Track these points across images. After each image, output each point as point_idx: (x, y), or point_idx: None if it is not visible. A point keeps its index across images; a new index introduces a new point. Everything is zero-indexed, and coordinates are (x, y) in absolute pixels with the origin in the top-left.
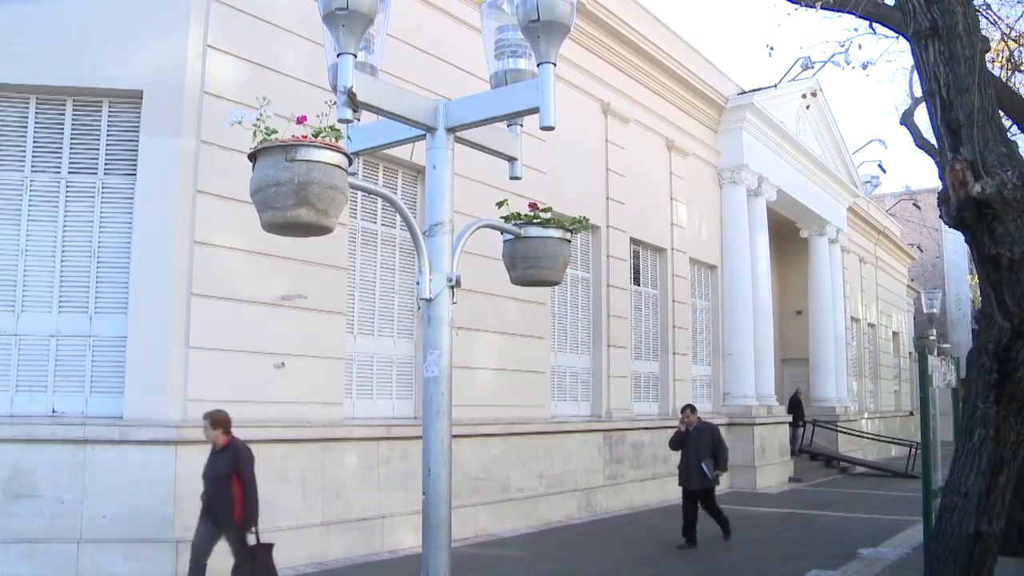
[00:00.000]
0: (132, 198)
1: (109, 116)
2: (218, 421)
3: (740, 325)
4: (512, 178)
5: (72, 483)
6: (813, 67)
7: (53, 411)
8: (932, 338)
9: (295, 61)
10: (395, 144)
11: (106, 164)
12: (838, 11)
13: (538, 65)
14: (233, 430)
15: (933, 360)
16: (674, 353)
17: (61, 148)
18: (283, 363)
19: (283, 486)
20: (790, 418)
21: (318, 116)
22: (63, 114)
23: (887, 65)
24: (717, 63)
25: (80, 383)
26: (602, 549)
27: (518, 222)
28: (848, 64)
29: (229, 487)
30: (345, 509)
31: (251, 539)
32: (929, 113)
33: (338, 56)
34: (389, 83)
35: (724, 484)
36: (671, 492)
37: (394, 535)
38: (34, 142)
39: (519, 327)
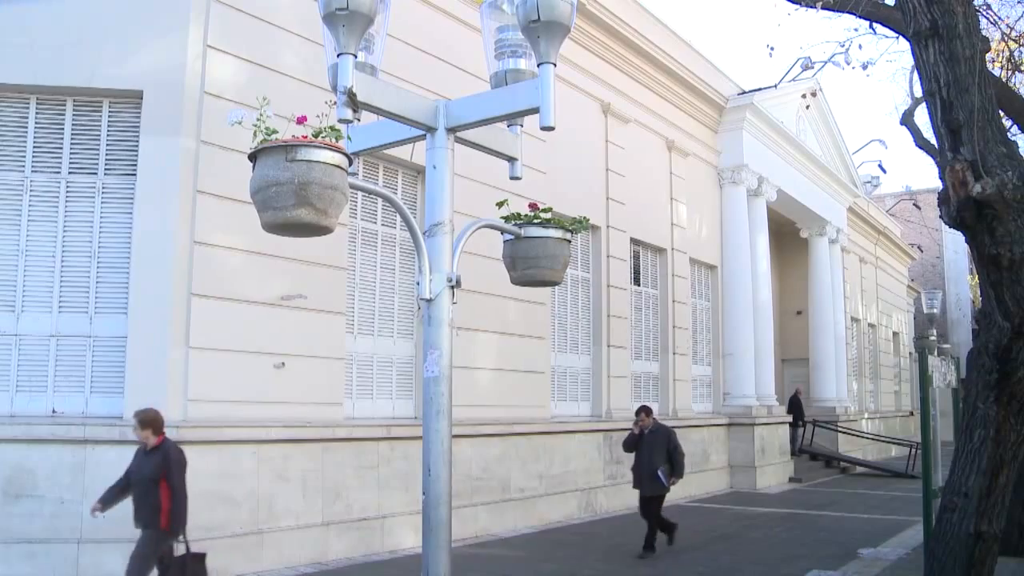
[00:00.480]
0: (132, 198)
1: (109, 116)
2: (147, 421)
3: (740, 325)
4: (512, 178)
5: (72, 483)
6: (813, 67)
7: (53, 411)
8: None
9: (295, 61)
10: (395, 144)
11: (106, 164)
12: (838, 11)
13: (538, 65)
14: (235, 429)
15: (933, 360)
16: (674, 353)
17: (61, 148)
18: (283, 363)
19: (283, 486)
20: (790, 418)
21: (318, 116)
22: (63, 114)
23: (887, 65)
24: (717, 63)
25: (80, 383)
26: (602, 549)
27: (518, 222)
28: (848, 64)
29: (156, 491)
30: (345, 509)
31: (180, 548)
32: (929, 113)
33: (338, 56)
34: (389, 83)
35: (724, 484)
36: (671, 492)
37: (394, 535)
38: (34, 142)
39: (519, 327)
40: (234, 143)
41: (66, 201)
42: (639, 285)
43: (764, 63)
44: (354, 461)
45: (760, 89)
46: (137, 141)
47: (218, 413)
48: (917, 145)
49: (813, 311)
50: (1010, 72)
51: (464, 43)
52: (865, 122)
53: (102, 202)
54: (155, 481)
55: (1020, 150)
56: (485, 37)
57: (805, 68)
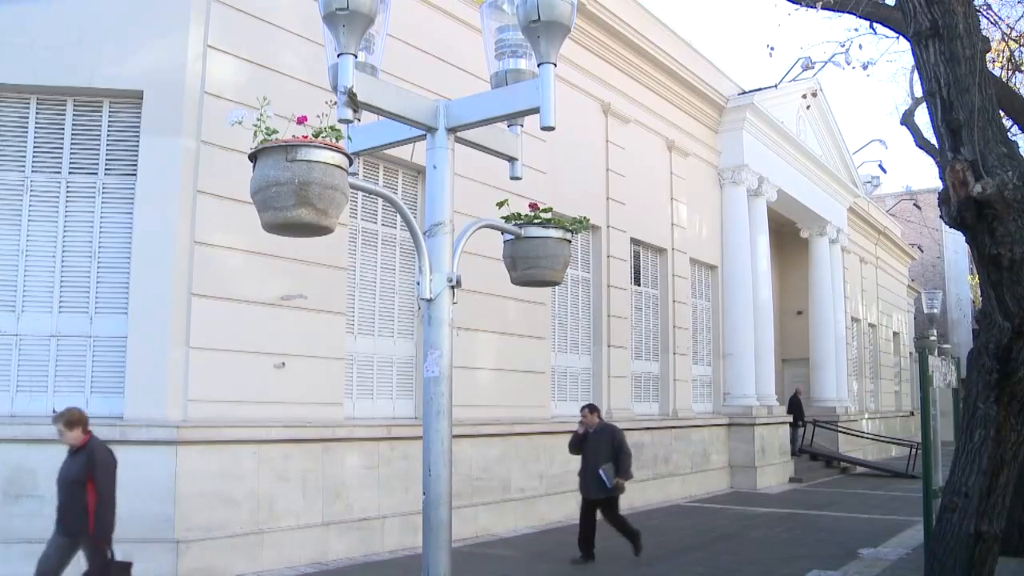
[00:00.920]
0: (132, 198)
1: (109, 116)
2: (73, 420)
3: (740, 325)
4: (512, 178)
5: None
6: (813, 67)
7: (54, 411)
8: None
9: (295, 61)
10: (395, 144)
11: (106, 164)
12: (838, 11)
13: (538, 65)
14: (235, 429)
15: (933, 360)
16: (674, 353)
17: (61, 148)
18: (283, 363)
19: (283, 486)
20: (790, 418)
21: (318, 116)
22: (63, 114)
23: (887, 65)
24: (717, 63)
25: (80, 383)
26: (602, 549)
27: (518, 222)
28: (848, 64)
29: (83, 494)
30: (345, 509)
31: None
32: (930, 113)
33: (338, 56)
34: (389, 83)
35: (724, 484)
36: (672, 493)
37: (394, 535)
38: (34, 142)
39: (519, 327)
40: (234, 143)
41: (66, 201)
42: (639, 285)
43: (764, 63)
44: (354, 461)
45: (760, 89)
46: (137, 141)
47: (218, 413)
48: (917, 145)
49: (813, 311)
50: (1010, 72)
51: (464, 43)
52: (865, 122)
53: (102, 202)
54: (80, 484)
55: (1020, 150)
56: (485, 37)
57: (805, 68)
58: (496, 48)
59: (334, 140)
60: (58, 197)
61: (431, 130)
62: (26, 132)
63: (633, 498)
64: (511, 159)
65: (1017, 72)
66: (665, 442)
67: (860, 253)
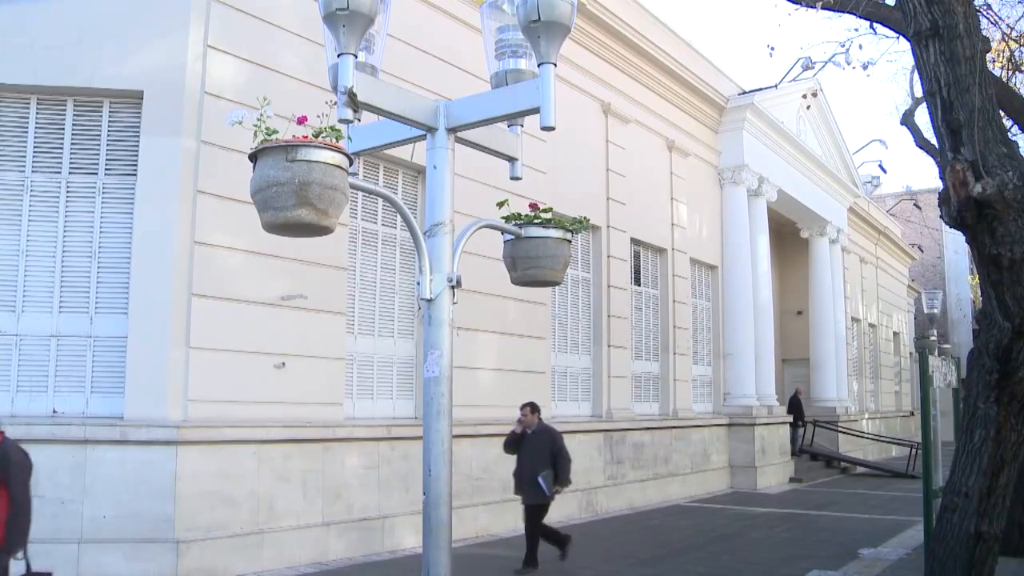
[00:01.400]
0: (132, 198)
1: (109, 116)
2: None
3: (740, 325)
4: (512, 178)
5: (73, 483)
6: (813, 67)
7: (54, 411)
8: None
9: (295, 61)
10: (396, 144)
11: (106, 164)
12: (838, 11)
13: (538, 65)
14: (236, 429)
15: (934, 360)
16: (675, 353)
17: (61, 148)
18: (283, 363)
19: (283, 486)
20: (790, 418)
21: (319, 116)
22: (63, 114)
23: (888, 65)
24: (717, 63)
25: (80, 383)
26: (602, 549)
27: (518, 222)
28: (849, 64)
29: None
30: (346, 509)
31: (20, 566)
32: (930, 113)
33: (339, 56)
34: (389, 83)
35: (725, 484)
36: (672, 493)
37: (395, 535)
38: (34, 142)
39: (519, 327)
40: (234, 143)
41: (66, 201)
42: (639, 285)
43: (764, 63)
44: (354, 461)
45: (760, 89)
46: (137, 141)
47: (218, 413)
48: (917, 145)
49: (813, 311)
50: (1010, 72)
51: (464, 43)
52: (865, 122)
53: (102, 202)
54: None
55: (1020, 150)
56: (485, 37)
57: (805, 68)
58: (496, 48)
59: (334, 140)
60: (58, 197)
61: (431, 130)
62: (26, 132)
63: (633, 498)
64: (511, 159)
65: (1017, 72)
66: (665, 442)
67: (860, 253)
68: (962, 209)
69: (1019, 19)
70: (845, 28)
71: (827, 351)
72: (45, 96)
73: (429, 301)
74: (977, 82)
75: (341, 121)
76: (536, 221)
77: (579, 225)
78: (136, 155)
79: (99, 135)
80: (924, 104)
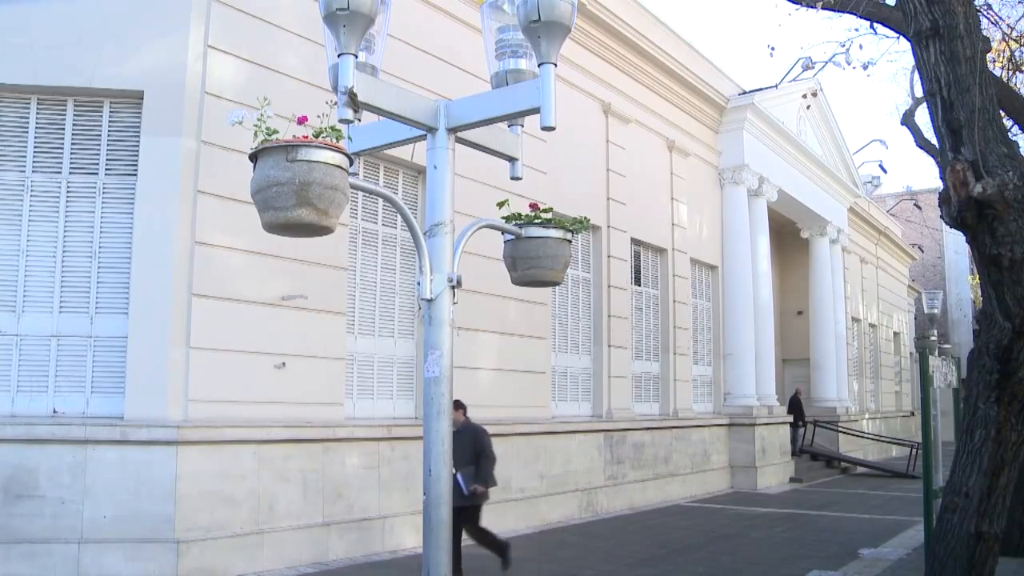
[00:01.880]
0: (132, 198)
1: (110, 116)
2: None
3: (741, 325)
4: (513, 178)
5: (73, 483)
6: (814, 67)
7: (54, 411)
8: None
9: (296, 61)
10: (396, 144)
11: (106, 164)
12: (839, 11)
13: (539, 65)
14: (236, 429)
15: (934, 360)
16: (675, 353)
17: (61, 148)
18: (284, 363)
19: (284, 486)
20: (790, 418)
21: (319, 116)
22: (63, 114)
23: (888, 65)
24: (718, 63)
25: (81, 383)
26: (603, 549)
27: (519, 222)
28: (849, 64)
29: None
30: (346, 509)
31: None
32: (930, 113)
33: (339, 56)
34: (390, 83)
35: (725, 484)
36: (672, 493)
37: (395, 535)
38: (34, 142)
39: (520, 327)
40: (235, 143)
41: (66, 201)
42: (640, 285)
43: (764, 63)
44: (355, 461)
45: (761, 89)
46: (137, 141)
47: (218, 413)
48: (918, 145)
49: (814, 311)
50: (1011, 72)
51: (465, 43)
52: (866, 122)
53: (102, 202)
54: None
55: (1021, 150)
56: (486, 37)
57: (806, 68)
58: (496, 48)
59: (334, 140)
60: (58, 197)
61: (431, 130)
62: (26, 132)
63: (634, 498)
64: (511, 159)
65: (1017, 72)
66: (665, 442)
67: (860, 253)
68: (962, 209)
69: (1019, 19)
70: (845, 28)
71: (827, 351)
72: (45, 96)
73: (429, 301)
74: (977, 82)
75: (341, 121)
76: (536, 221)
77: (579, 225)
78: (136, 155)
79: (99, 135)
80: (924, 104)
